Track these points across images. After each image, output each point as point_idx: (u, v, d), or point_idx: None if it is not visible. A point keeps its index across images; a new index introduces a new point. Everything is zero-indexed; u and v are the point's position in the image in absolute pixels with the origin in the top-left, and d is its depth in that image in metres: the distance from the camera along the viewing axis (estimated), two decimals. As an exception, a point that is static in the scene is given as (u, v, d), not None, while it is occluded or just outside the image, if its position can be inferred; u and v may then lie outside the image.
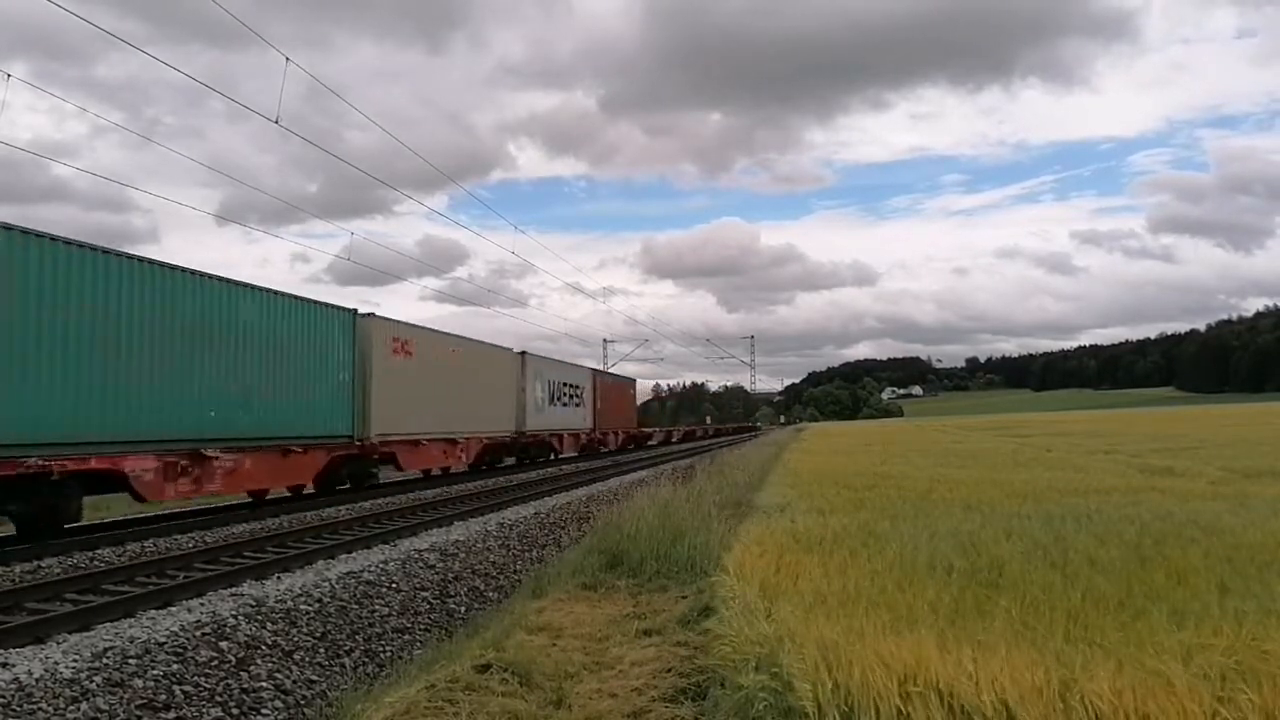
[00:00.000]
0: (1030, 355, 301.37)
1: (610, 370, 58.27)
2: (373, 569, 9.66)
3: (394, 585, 9.35)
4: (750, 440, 53.52)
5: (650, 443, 54.16)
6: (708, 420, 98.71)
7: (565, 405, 33.17)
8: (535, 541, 13.28)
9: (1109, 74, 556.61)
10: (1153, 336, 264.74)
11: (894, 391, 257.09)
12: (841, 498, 11.28)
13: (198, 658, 6.42)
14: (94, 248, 11.46)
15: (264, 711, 6.15)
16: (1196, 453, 20.09)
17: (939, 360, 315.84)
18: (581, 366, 37.51)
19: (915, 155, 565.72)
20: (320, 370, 16.30)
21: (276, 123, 15.15)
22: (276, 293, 15.22)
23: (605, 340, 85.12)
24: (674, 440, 60.99)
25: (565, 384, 33.35)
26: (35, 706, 5.26)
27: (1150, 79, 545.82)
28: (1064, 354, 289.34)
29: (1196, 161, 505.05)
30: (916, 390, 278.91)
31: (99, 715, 5.39)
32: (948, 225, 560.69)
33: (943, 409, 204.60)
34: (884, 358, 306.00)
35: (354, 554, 10.70)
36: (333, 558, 10.35)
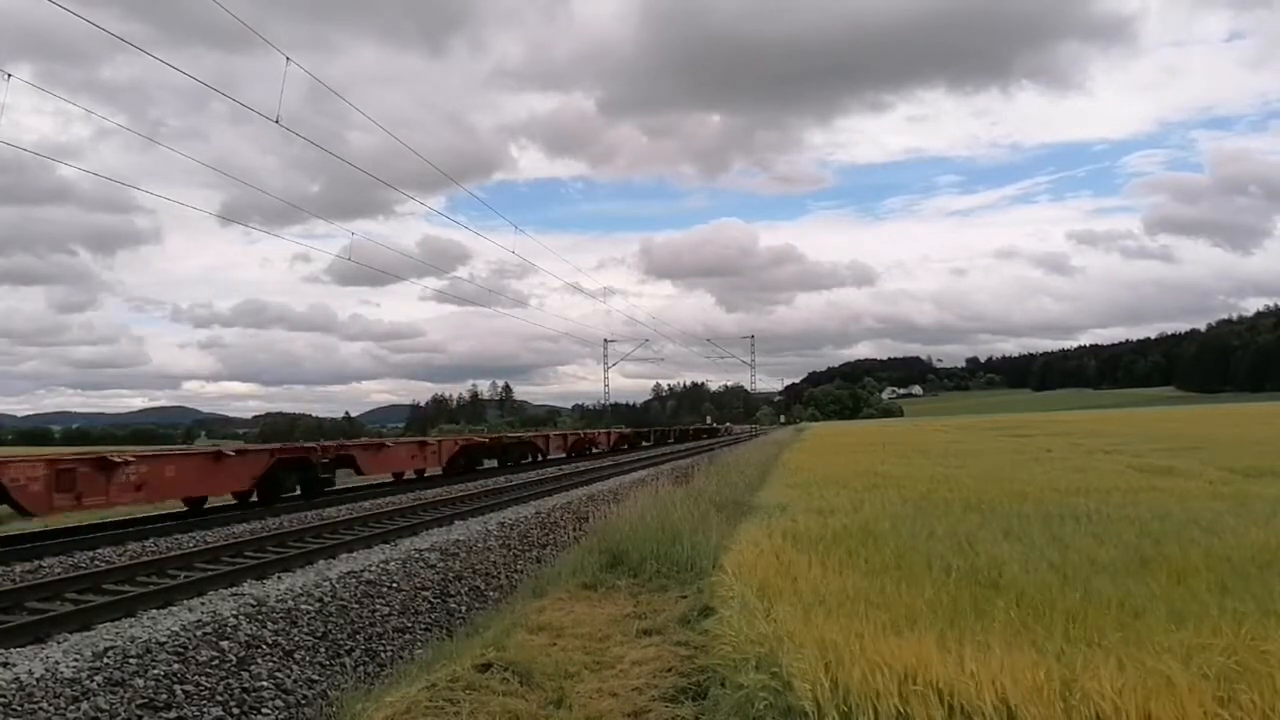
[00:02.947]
0: (1030, 355, 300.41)
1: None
2: (373, 569, 9.67)
3: (395, 585, 9.36)
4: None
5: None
6: (712, 420, 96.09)
7: None
8: (535, 541, 13.29)
9: (1102, 77, 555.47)
10: (1153, 336, 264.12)
11: (894, 391, 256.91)
12: (841, 498, 11.27)
13: (198, 657, 6.43)
14: None
15: (264, 711, 6.16)
16: (1196, 453, 20.07)
17: (939, 360, 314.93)
18: None
19: (910, 156, 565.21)
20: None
21: (277, 122, 15.17)
22: None
23: (605, 340, 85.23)
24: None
25: None
26: (36, 706, 5.27)
27: (1143, 82, 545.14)
28: (1064, 354, 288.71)
29: (1191, 163, 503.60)
30: (916, 390, 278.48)
31: (99, 715, 5.40)
32: (944, 226, 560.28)
33: (943, 409, 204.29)
34: (884, 358, 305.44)
35: (355, 554, 10.71)
36: (334, 557, 10.36)
